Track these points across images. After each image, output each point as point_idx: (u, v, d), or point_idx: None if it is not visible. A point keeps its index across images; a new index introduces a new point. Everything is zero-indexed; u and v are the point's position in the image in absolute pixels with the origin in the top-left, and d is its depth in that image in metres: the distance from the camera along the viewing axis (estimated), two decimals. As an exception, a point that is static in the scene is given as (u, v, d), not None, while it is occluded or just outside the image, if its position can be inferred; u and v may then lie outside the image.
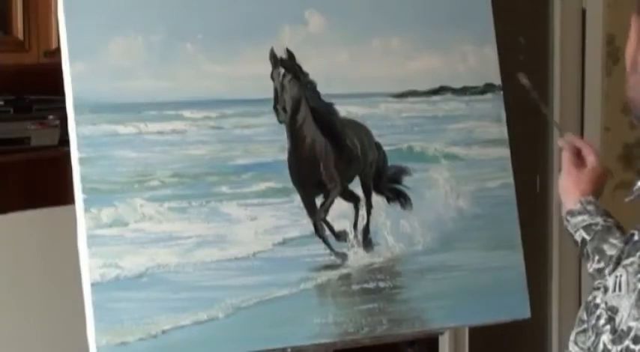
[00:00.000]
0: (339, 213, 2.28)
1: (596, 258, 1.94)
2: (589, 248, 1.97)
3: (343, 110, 2.30)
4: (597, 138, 3.80)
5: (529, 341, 3.86)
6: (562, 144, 2.15)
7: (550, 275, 3.86)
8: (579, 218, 2.00)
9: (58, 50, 2.12)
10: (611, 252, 1.91)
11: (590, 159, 2.09)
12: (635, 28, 1.44)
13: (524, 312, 2.37)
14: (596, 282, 1.51)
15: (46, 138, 3.58)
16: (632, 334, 1.28)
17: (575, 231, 2.00)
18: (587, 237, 1.97)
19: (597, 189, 2.06)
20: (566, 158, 2.11)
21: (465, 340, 3.66)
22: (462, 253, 2.35)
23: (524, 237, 2.40)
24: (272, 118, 2.21)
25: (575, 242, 2.01)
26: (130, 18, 2.13)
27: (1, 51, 3.47)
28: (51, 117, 3.57)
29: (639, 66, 1.41)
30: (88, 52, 2.08)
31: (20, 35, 3.51)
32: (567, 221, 2.02)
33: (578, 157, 2.10)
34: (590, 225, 1.98)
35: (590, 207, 2.00)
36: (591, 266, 1.95)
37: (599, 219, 1.98)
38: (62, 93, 2.06)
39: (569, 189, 2.06)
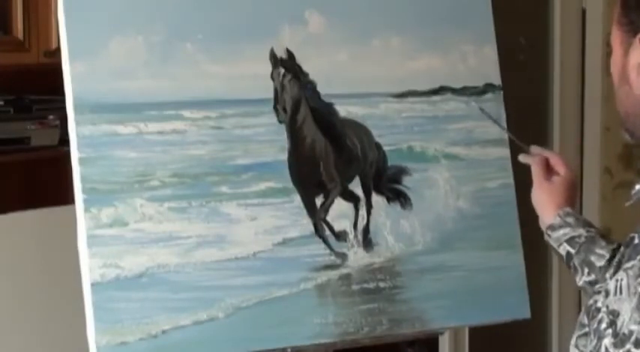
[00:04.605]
0: (339, 213, 2.28)
1: (586, 270, 1.93)
2: (576, 261, 1.95)
3: (343, 110, 2.30)
4: (597, 138, 3.80)
5: (529, 341, 3.86)
6: (523, 160, 2.13)
7: (550, 275, 3.86)
8: (561, 232, 1.99)
9: (58, 50, 2.12)
10: (599, 263, 1.90)
11: (561, 169, 2.08)
12: (618, 39, 1.44)
13: (524, 312, 2.37)
14: (597, 286, 1.50)
15: (46, 138, 3.58)
16: (633, 337, 1.28)
17: (559, 245, 1.99)
18: (572, 251, 1.96)
19: (571, 199, 2.05)
20: (535, 171, 2.09)
21: (465, 340, 3.66)
22: (462, 253, 2.35)
23: (524, 237, 2.40)
24: (272, 118, 2.21)
25: (560, 256, 2.00)
26: (130, 18, 2.13)
27: (1, 51, 3.47)
28: (51, 117, 3.58)
29: (630, 76, 1.41)
30: (88, 52, 2.08)
31: (20, 35, 3.52)
32: (549, 236, 2.01)
33: (547, 168, 2.09)
34: (573, 237, 1.97)
35: (569, 219, 1.99)
36: (581, 280, 1.94)
37: (581, 231, 1.97)
38: (62, 93, 2.06)
39: (543, 203, 2.05)
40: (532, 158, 2.11)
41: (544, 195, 2.05)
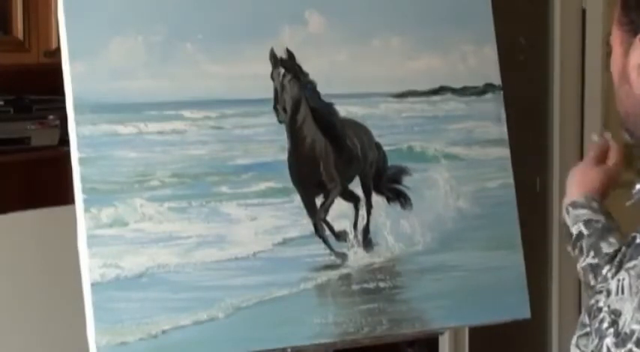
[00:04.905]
0: (339, 213, 2.28)
1: (592, 253, 1.92)
2: (584, 243, 1.95)
3: (343, 110, 2.30)
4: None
5: (529, 341, 3.86)
6: (595, 139, 2.14)
7: (550, 275, 3.86)
8: (582, 211, 1.98)
9: (58, 50, 2.12)
10: (607, 250, 1.90)
11: (610, 161, 2.08)
12: (618, 39, 1.44)
13: (524, 312, 2.37)
14: (599, 286, 1.50)
15: (46, 138, 3.59)
16: (635, 337, 1.28)
17: (574, 223, 1.98)
18: (586, 232, 1.95)
19: (605, 189, 2.05)
20: (590, 153, 2.10)
21: (465, 340, 3.66)
22: (462, 253, 2.35)
23: (524, 237, 2.40)
24: (272, 118, 2.21)
25: (570, 234, 1.99)
26: (130, 18, 2.13)
27: (1, 51, 3.48)
28: (51, 117, 3.58)
29: (630, 76, 1.41)
30: (88, 52, 2.08)
31: (20, 35, 3.52)
32: (567, 211, 2.00)
33: (602, 157, 2.09)
34: (591, 220, 1.96)
35: (594, 204, 1.99)
36: (584, 261, 1.93)
37: (601, 217, 1.96)
38: (62, 93, 2.06)
39: (578, 182, 2.05)
40: (596, 143, 2.11)
41: (582, 175, 2.05)
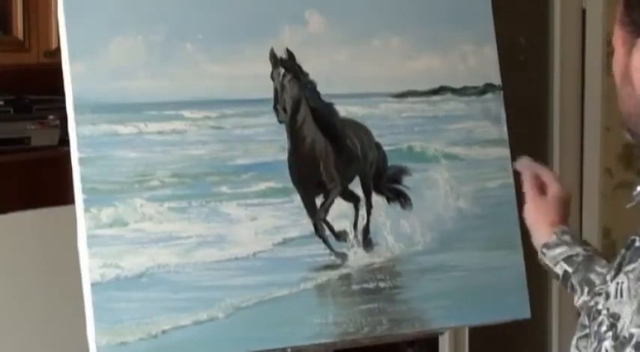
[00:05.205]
0: (339, 213, 2.27)
1: (586, 289, 1.91)
2: (574, 280, 1.94)
3: (343, 110, 2.30)
4: (597, 138, 3.80)
5: (529, 341, 3.86)
6: (519, 168, 2.13)
7: (550, 275, 3.86)
8: (557, 250, 1.97)
9: (58, 50, 2.12)
10: (599, 281, 1.89)
11: (553, 186, 2.07)
12: (620, 39, 1.43)
13: (524, 312, 2.37)
14: (598, 288, 1.50)
15: (46, 138, 3.59)
16: (633, 341, 1.28)
17: (555, 264, 1.97)
18: (570, 270, 1.94)
19: (565, 216, 2.04)
20: (527, 186, 2.08)
21: (465, 340, 3.66)
22: (462, 253, 2.35)
23: (524, 237, 2.40)
24: (272, 118, 2.21)
25: (556, 275, 1.98)
26: (130, 18, 2.13)
27: (1, 51, 3.48)
28: (51, 117, 3.59)
29: (633, 76, 1.40)
30: (88, 52, 2.08)
31: (20, 35, 3.53)
32: (543, 254, 2.00)
33: (539, 182, 2.08)
34: (570, 256, 1.95)
35: (565, 237, 1.98)
36: (579, 299, 1.93)
37: (578, 249, 1.96)
38: (62, 93, 2.06)
39: (537, 221, 2.04)
40: (522, 174, 2.10)
41: (537, 212, 2.04)
